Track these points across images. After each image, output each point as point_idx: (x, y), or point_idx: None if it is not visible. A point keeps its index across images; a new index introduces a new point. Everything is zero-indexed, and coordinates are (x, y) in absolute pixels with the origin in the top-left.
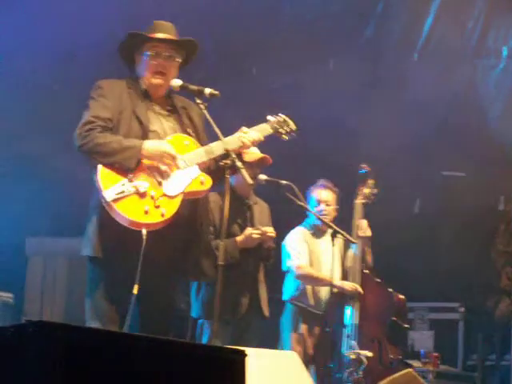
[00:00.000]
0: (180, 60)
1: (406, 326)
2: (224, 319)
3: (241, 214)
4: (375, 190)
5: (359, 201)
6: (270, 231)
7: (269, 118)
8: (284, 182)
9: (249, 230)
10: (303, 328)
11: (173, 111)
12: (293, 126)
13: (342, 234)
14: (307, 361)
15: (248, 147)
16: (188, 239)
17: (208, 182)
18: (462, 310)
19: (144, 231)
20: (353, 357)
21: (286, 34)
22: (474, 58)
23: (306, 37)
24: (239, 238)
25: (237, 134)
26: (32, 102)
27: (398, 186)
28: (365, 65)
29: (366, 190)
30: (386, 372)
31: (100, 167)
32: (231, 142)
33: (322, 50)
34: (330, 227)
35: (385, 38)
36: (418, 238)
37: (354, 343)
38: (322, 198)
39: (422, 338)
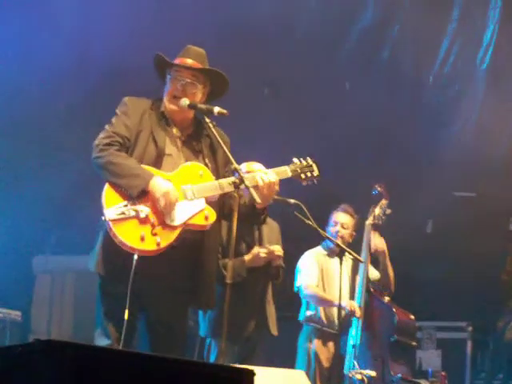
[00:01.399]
0: (200, 86)
1: (414, 344)
2: (231, 338)
3: (248, 233)
4: (388, 211)
5: (369, 222)
6: (278, 250)
7: (294, 160)
8: (292, 200)
9: (256, 249)
10: (317, 344)
11: (193, 138)
12: (316, 172)
13: (350, 253)
14: (323, 380)
15: (261, 188)
16: (195, 266)
17: (212, 216)
18: (470, 329)
19: (135, 256)
20: (358, 377)
21: (301, 55)
22: (486, 79)
23: (321, 58)
24: (247, 257)
25: (255, 173)
26: (40, 120)
27: (410, 206)
28: (380, 87)
29: (378, 211)
30: None
31: (107, 184)
32: (247, 178)
33: (338, 72)
34: (338, 246)
35: (400, 61)
36: (429, 258)
37: (355, 363)
38: (340, 220)
39: (430, 357)
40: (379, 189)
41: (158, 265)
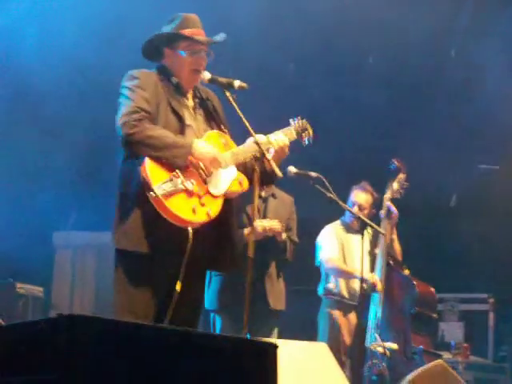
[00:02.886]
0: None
1: (435, 316)
2: (234, 312)
3: (251, 205)
4: (405, 185)
5: (387, 196)
6: (276, 225)
7: (291, 121)
8: (314, 173)
9: (255, 223)
10: (339, 316)
11: (200, 104)
12: (311, 131)
13: (372, 226)
14: (344, 352)
15: (276, 151)
16: (222, 232)
17: (245, 182)
18: (492, 300)
19: (190, 230)
20: (380, 350)
21: (322, 30)
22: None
23: (343, 33)
24: (246, 231)
25: (268, 136)
26: (61, 96)
27: (435, 178)
28: (402, 62)
29: (396, 186)
30: (410, 364)
31: (147, 160)
32: (262, 143)
33: (360, 46)
34: (360, 219)
35: (420, 34)
36: (452, 231)
37: (376, 336)
38: (358, 200)
39: (452, 329)
40: (397, 163)
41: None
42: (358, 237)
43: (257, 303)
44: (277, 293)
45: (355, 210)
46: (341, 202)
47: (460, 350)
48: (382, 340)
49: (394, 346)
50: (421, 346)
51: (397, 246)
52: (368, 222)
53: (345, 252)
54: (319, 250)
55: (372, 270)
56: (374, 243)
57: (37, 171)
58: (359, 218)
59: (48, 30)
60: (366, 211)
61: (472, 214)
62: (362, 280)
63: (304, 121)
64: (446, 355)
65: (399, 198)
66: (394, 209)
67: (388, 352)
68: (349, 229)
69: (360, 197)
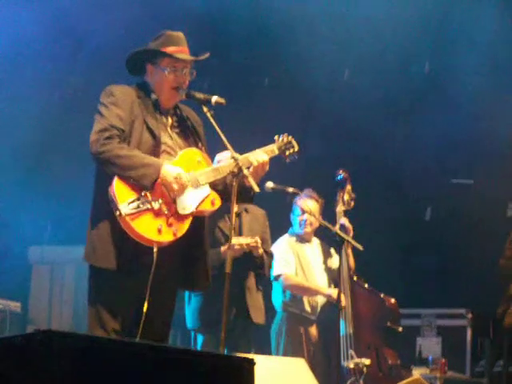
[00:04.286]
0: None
1: (400, 329)
2: (216, 328)
3: (225, 221)
4: (353, 196)
5: (340, 208)
6: (253, 241)
7: (276, 138)
8: (291, 189)
9: (233, 240)
10: (301, 331)
11: (179, 122)
12: (296, 147)
13: (349, 241)
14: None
15: (255, 168)
16: (194, 250)
17: (218, 202)
18: (470, 316)
19: (155, 249)
20: (351, 366)
21: (299, 45)
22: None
23: (320, 47)
24: (223, 248)
25: (248, 155)
26: (40, 115)
27: (409, 193)
28: (377, 76)
29: (346, 197)
30: (387, 379)
31: (116, 179)
32: (240, 159)
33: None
34: (338, 234)
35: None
36: (427, 245)
37: (351, 352)
38: (306, 207)
39: (430, 345)
40: (343, 174)
41: (161, 255)
42: (311, 247)
43: (239, 317)
44: (257, 306)
45: (306, 216)
46: (315, 218)
47: (437, 366)
48: (359, 357)
49: (367, 361)
50: (398, 362)
51: (351, 261)
52: (347, 238)
53: (303, 265)
54: (274, 264)
55: (332, 283)
56: (326, 255)
57: (11, 185)
58: (338, 234)
59: None
60: (316, 216)
61: (447, 228)
62: (327, 296)
63: (290, 137)
64: (424, 371)
65: (350, 210)
66: (348, 224)
67: (364, 368)
68: (302, 240)
69: (307, 203)
